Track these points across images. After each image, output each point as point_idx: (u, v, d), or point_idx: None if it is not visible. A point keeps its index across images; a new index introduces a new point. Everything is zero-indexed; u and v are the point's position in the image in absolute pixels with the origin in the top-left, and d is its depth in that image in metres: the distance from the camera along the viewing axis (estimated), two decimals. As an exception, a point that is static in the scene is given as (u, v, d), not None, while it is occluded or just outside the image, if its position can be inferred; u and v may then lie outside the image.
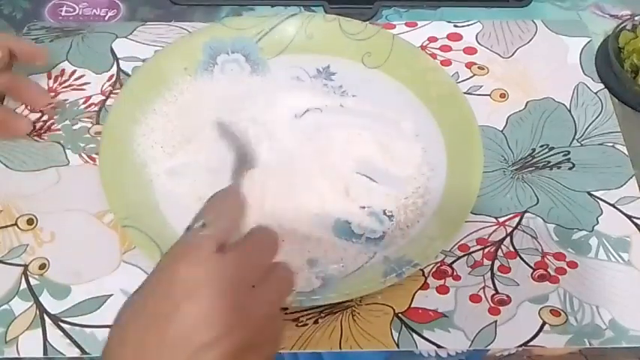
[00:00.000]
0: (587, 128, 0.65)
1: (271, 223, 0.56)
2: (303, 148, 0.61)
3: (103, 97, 0.67)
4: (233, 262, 0.40)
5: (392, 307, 0.55)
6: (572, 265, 0.57)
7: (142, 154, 0.61)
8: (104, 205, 0.58)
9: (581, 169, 0.63)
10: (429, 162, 0.61)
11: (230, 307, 0.38)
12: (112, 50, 0.71)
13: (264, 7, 0.75)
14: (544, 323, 0.54)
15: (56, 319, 0.54)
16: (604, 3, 0.76)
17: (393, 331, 0.54)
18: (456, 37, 0.72)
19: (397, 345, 0.53)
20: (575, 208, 0.60)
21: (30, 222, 0.59)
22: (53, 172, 0.62)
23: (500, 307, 0.55)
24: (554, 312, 0.55)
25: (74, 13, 0.75)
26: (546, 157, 0.63)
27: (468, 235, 0.59)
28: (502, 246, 0.58)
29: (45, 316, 0.54)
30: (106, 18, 0.75)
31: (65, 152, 0.63)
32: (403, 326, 0.54)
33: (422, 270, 0.56)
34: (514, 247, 0.58)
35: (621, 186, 0.61)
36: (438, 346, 0.53)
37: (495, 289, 0.56)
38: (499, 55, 0.71)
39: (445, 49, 0.71)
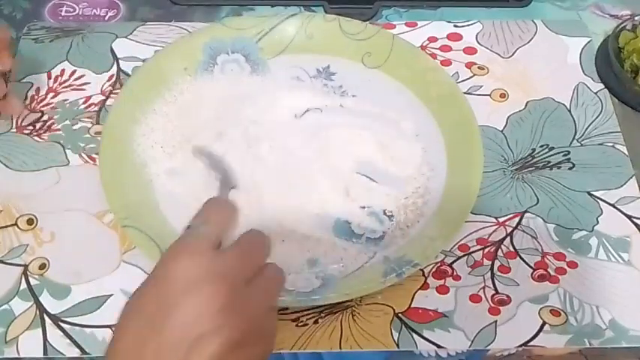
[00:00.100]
0: (587, 128, 0.65)
1: (271, 223, 0.56)
2: (303, 148, 0.61)
3: (103, 97, 0.67)
4: (229, 259, 0.42)
5: (392, 307, 0.55)
6: (572, 265, 0.57)
7: (142, 154, 0.61)
8: (104, 205, 0.58)
9: (581, 169, 0.62)
10: (429, 162, 0.61)
11: (227, 303, 0.39)
12: (112, 50, 0.71)
13: (264, 7, 0.75)
14: (544, 323, 0.54)
15: (56, 319, 0.54)
16: (604, 3, 0.76)
17: (393, 331, 0.54)
18: (456, 37, 0.72)
19: (397, 345, 0.53)
20: (575, 208, 0.60)
21: (30, 222, 0.59)
22: (53, 172, 0.62)
23: (500, 307, 0.55)
24: (554, 312, 0.55)
25: (74, 13, 0.75)
26: (546, 157, 0.63)
27: (468, 235, 0.59)
28: (502, 246, 0.58)
29: (45, 316, 0.54)
30: (106, 18, 0.75)
31: (65, 152, 0.63)
32: (403, 326, 0.54)
33: (422, 270, 0.56)
34: (514, 247, 0.58)
35: (621, 186, 0.61)
36: (438, 346, 0.53)
37: (495, 289, 0.56)
38: (499, 55, 0.71)
39: (445, 49, 0.71)
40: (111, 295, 0.55)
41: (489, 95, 0.67)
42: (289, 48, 0.69)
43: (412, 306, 0.55)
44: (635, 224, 0.59)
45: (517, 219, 0.60)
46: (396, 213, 0.58)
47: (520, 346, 0.53)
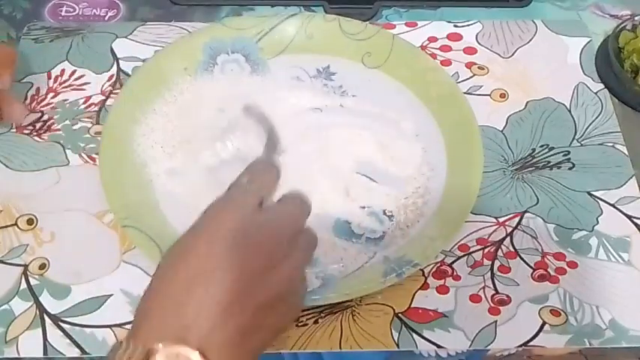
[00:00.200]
0: (587, 128, 0.65)
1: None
2: (303, 148, 0.61)
3: (103, 97, 0.67)
4: (273, 217, 0.43)
5: (392, 307, 0.55)
6: (572, 265, 0.57)
7: (142, 154, 0.61)
8: (104, 205, 0.58)
9: (581, 169, 0.62)
10: (429, 162, 0.61)
11: (268, 261, 0.41)
12: (112, 50, 0.71)
13: (264, 7, 0.75)
14: (544, 323, 0.54)
15: (56, 319, 0.54)
16: (604, 3, 0.76)
17: (393, 331, 0.54)
18: (456, 37, 0.72)
19: (397, 345, 0.53)
20: (575, 208, 0.60)
21: (30, 222, 0.59)
22: (53, 172, 0.62)
23: (500, 307, 0.55)
24: (554, 312, 0.55)
25: (74, 13, 0.75)
26: (546, 157, 0.63)
27: (468, 235, 0.58)
28: (502, 246, 0.58)
29: (45, 316, 0.54)
30: (106, 18, 0.75)
31: (65, 152, 0.63)
32: (403, 326, 0.54)
33: (422, 270, 0.56)
34: (514, 247, 0.58)
35: (621, 186, 0.61)
36: (438, 346, 0.53)
37: (495, 289, 0.56)
38: (499, 55, 0.71)
39: (445, 49, 0.71)
40: (111, 295, 0.55)
41: (489, 95, 0.67)
42: (289, 48, 0.69)
43: (412, 306, 0.55)
44: (635, 224, 0.59)
45: (517, 219, 0.60)
46: (396, 213, 0.59)
47: (520, 346, 0.53)
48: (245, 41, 0.68)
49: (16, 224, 0.59)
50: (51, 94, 0.67)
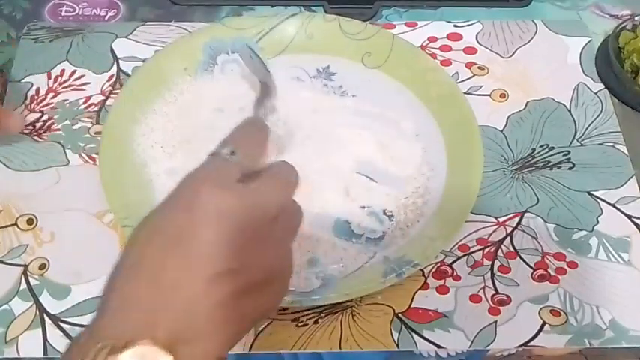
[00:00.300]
0: (587, 128, 0.65)
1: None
2: (303, 148, 0.61)
3: (103, 97, 0.67)
4: (255, 194, 0.40)
5: (392, 307, 0.55)
6: (572, 265, 0.57)
7: (142, 154, 0.61)
8: (104, 205, 0.58)
9: (581, 169, 0.63)
10: (429, 162, 0.61)
11: (247, 240, 0.37)
12: (112, 50, 0.71)
13: (264, 7, 0.75)
14: (544, 323, 0.54)
15: (56, 319, 0.54)
16: (604, 3, 0.76)
17: (393, 331, 0.54)
18: (456, 37, 0.72)
19: (397, 345, 0.53)
20: (575, 208, 0.60)
21: (30, 222, 0.59)
22: (53, 172, 0.62)
23: (500, 307, 0.55)
24: (554, 312, 0.55)
25: (74, 13, 0.75)
26: (546, 157, 0.63)
27: (468, 235, 0.59)
28: (502, 246, 0.58)
29: (45, 316, 0.54)
30: (106, 18, 0.75)
31: (65, 152, 0.63)
32: (403, 326, 0.54)
33: (422, 270, 0.56)
34: (514, 247, 0.58)
35: (621, 186, 0.61)
36: (438, 346, 0.53)
37: (495, 289, 0.56)
38: (499, 55, 0.71)
39: (445, 49, 0.71)
40: (111, 295, 0.55)
41: (489, 95, 0.67)
42: (289, 48, 0.69)
43: (412, 306, 0.55)
44: (635, 224, 0.59)
45: (517, 219, 0.60)
46: (396, 213, 0.58)
47: (520, 346, 0.53)
48: (245, 41, 0.68)
49: (16, 224, 0.59)
50: (51, 94, 0.67)
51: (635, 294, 0.56)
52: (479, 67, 0.69)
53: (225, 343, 0.37)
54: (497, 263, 0.57)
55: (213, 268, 0.36)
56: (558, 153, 0.64)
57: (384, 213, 0.59)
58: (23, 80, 0.68)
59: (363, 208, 0.59)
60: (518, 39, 0.72)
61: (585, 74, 0.69)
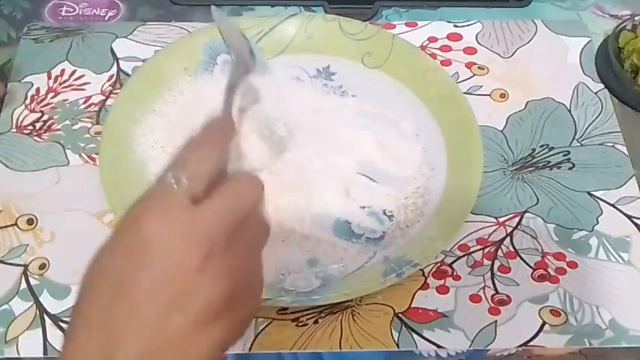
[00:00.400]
0: (587, 128, 0.65)
1: (271, 223, 0.56)
2: (303, 148, 0.61)
3: (103, 97, 0.67)
4: (209, 215, 0.36)
5: (392, 307, 0.55)
6: (572, 265, 0.57)
7: (142, 154, 0.61)
8: (104, 205, 0.58)
9: (581, 169, 0.62)
10: (429, 162, 0.61)
11: (205, 266, 0.35)
12: (112, 50, 0.71)
13: (264, 7, 0.75)
14: (544, 323, 0.54)
15: (56, 319, 0.54)
16: (604, 3, 0.76)
17: (393, 331, 0.54)
18: (456, 37, 0.72)
19: (397, 345, 0.53)
20: (575, 208, 0.60)
21: (30, 222, 0.59)
22: (53, 172, 0.62)
23: (500, 307, 0.55)
24: (554, 312, 0.55)
25: (74, 13, 0.75)
26: (546, 157, 0.63)
27: (468, 235, 0.58)
28: (502, 246, 0.58)
29: (45, 316, 0.54)
30: (106, 18, 0.75)
31: (65, 152, 0.63)
32: (403, 326, 0.54)
33: (422, 270, 0.56)
34: (514, 247, 0.58)
35: (621, 186, 0.61)
36: (438, 346, 0.53)
37: (495, 289, 0.56)
38: (499, 55, 0.71)
39: (445, 49, 0.71)
40: (111, 295, 0.55)
41: (489, 95, 0.67)
42: (289, 48, 0.69)
43: (412, 306, 0.55)
44: (635, 224, 0.59)
45: (517, 219, 0.60)
46: (396, 213, 0.58)
47: (520, 346, 0.53)
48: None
49: (16, 224, 0.59)
50: (51, 94, 0.67)
51: (635, 294, 0.56)
52: (479, 67, 0.69)
53: None
54: (497, 263, 0.57)
55: (169, 295, 0.35)
56: (558, 153, 0.64)
57: (384, 213, 0.59)
58: (23, 80, 0.68)
59: (363, 208, 0.59)
60: (518, 39, 0.72)
61: (585, 74, 0.69)
